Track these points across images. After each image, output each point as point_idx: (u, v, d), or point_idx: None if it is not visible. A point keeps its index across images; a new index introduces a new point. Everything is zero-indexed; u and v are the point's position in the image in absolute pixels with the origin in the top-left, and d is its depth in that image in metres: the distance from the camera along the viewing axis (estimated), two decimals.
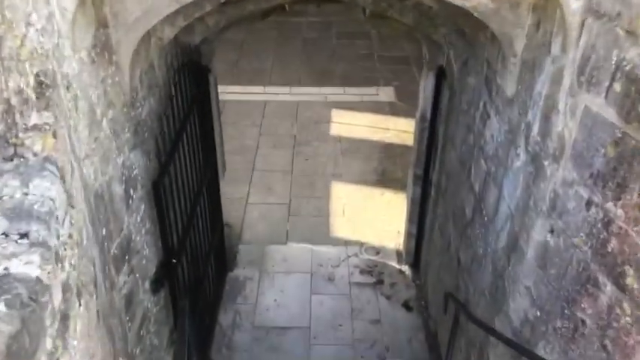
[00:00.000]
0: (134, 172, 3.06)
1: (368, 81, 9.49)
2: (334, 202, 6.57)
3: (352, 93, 9.11)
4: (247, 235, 6.02)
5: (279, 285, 5.37)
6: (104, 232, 2.53)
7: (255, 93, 9.07)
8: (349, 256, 5.69)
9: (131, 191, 3.01)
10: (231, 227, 5.86)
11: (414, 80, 9.52)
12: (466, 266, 3.84)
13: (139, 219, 3.13)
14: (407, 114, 8.44)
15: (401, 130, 8.01)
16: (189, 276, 4.01)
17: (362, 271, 5.52)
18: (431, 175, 4.95)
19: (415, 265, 5.48)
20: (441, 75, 4.53)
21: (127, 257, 2.94)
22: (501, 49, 3.05)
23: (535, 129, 2.63)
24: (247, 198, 6.61)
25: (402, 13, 3.96)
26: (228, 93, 9.00)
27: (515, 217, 2.89)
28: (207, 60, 4.57)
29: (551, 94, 2.46)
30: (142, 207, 3.19)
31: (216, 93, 4.92)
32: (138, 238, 3.13)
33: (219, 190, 5.06)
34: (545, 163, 2.49)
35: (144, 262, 3.24)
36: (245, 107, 8.60)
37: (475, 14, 2.68)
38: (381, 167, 7.21)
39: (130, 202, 3.00)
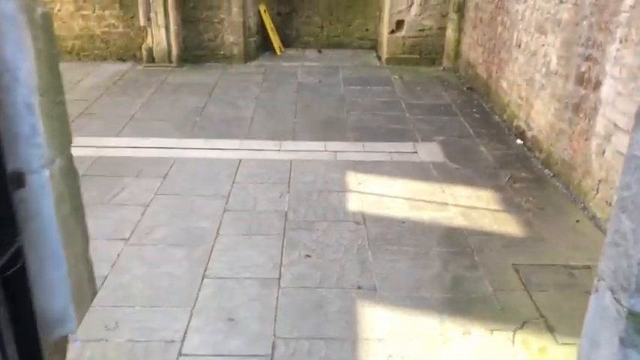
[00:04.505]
0: None
1: (397, 134, 6.30)
2: (366, 351, 3.10)
3: (376, 150, 5.87)
4: None
5: None
6: None
7: (224, 149, 5.81)
8: None
9: None
10: None
11: (466, 133, 6.35)
12: None
13: None
14: (468, 180, 5.19)
15: (467, 206, 4.70)
16: None
17: None
18: None
19: None
20: None
21: None
22: None
23: None
24: (182, 342, 3.13)
25: None
26: (182, 149, 5.79)
27: None
28: None
29: None
30: None
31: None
32: None
33: (37, 336, 1.62)
34: None
35: None
36: (206, 169, 5.30)
37: None
38: (449, 274, 3.80)
39: None
